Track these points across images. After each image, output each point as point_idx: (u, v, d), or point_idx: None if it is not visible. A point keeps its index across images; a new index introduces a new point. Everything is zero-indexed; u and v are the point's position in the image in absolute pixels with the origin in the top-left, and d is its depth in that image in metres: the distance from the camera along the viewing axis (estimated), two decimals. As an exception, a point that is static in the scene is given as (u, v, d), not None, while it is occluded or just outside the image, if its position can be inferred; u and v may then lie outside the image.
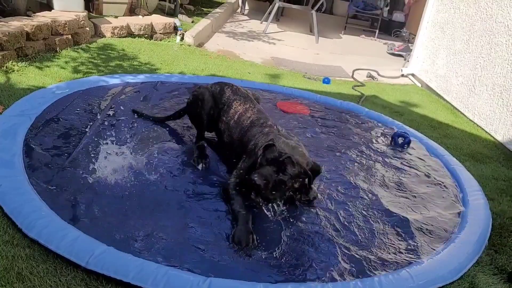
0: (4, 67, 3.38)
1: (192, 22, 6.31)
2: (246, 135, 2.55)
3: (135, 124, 2.98)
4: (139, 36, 5.18)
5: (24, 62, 3.58)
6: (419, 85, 5.68)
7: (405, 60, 6.58)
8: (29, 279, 1.60)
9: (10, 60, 3.48)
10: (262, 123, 2.57)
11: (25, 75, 3.39)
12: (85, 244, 1.79)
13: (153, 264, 1.77)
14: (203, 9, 7.49)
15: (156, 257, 1.83)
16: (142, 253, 1.84)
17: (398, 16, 9.05)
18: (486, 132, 4.12)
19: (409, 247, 2.21)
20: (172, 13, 6.24)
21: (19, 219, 1.86)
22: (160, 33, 5.42)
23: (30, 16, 4.08)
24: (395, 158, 3.21)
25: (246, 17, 8.40)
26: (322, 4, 8.01)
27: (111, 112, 3.10)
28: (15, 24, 3.67)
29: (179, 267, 1.81)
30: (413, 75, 5.89)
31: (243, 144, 2.53)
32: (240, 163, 2.43)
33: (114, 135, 2.66)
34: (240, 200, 2.25)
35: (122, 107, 3.19)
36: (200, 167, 2.60)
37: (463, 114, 4.56)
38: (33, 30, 3.74)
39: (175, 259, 1.85)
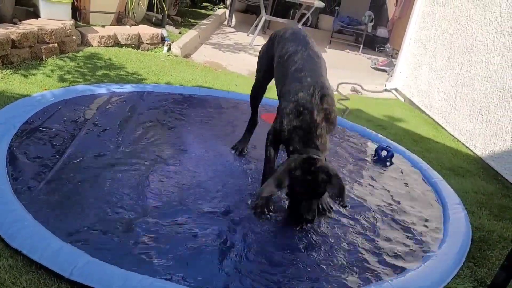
0: (-11, 75, 3.35)
1: (179, 33, 6.34)
2: (286, 81, 2.42)
3: (121, 134, 2.97)
4: (126, 46, 5.19)
5: (9, 70, 3.55)
6: (402, 99, 5.80)
7: (388, 75, 6.73)
8: (11, 290, 1.58)
9: (-6, 67, 3.45)
10: (302, 75, 2.35)
11: (10, 83, 3.36)
12: (68, 255, 1.77)
13: (137, 275, 1.76)
14: (190, 20, 7.55)
15: (141, 268, 1.82)
16: (128, 264, 1.83)
17: (382, 32, 9.27)
18: (466, 147, 4.23)
19: (390, 259, 2.25)
20: (159, 24, 6.27)
21: (1, 229, 1.84)
22: (147, 43, 5.43)
23: (16, 24, 4.05)
24: (378, 171, 3.27)
25: (233, 29, 8.48)
26: (308, 18, 8.14)
27: (97, 122, 3.09)
28: (0, 31, 3.63)
29: (164, 278, 1.80)
30: (396, 89, 6.02)
31: (281, 90, 2.46)
32: (276, 118, 2.42)
33: (100, 144, 2.65)
34: (270, 159, 2.42)
35: (108, 117, 3.18)
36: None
37: (444, 128, 4.68)
38: (19, 37, 3.71)
39: (160, 270, 1.84)
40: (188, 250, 2.00)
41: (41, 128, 2.81)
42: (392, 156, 3.47)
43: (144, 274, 1.77)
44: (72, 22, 4.58)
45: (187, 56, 5.73)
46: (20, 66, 3.71)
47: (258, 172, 2.77)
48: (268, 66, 2.80)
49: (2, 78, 3.38)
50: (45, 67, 3.88)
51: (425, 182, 3.20)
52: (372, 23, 9.13)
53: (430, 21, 5.40)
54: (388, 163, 3.43)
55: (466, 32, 4.63)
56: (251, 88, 3.11)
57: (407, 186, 3.11)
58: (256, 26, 7.56)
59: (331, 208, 2.55)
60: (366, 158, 3.47)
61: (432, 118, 4.97)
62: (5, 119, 2.74)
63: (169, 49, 5.48)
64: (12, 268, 1.68)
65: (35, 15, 4.55)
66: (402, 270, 2.17)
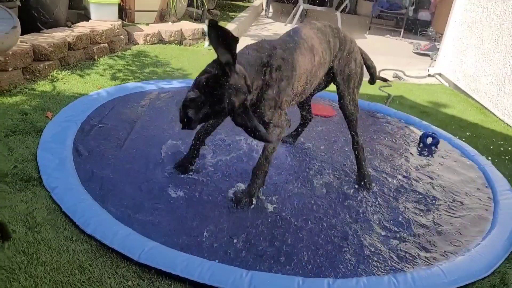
0: (50, 76, 3.61)
1: (220, 27, 6.46)
2: None
3: (172, 129, 3.14)
4: (170, 42, 5.38)
5: (67, 71, 3.81)
6: (447, 84, 5.67)
7: (431, 59, 6.57)
8: (89, 271, 1.76)
9: (54, 69, 3.71)
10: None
11: (68, 83, 3.61)
12: (136, 240, 1.94)
13: (198, 258, 1.91)
14: (229, 13, 7.66)
15: (201, 252, 1.97)
16: (189, 248, 1.98)
17: (424, 15, 9.01)
18: (517, 131, 4.11)
19: (440, 244, 2.28)
20: (199, 19, 6.43)
21: (76, 216, 2.03)
22: (189, 39, 5.60)
23: (70, 27, 4.31)
24: (424, 159, 3.27)
25: (270, 20, 8.53)
26: (346, 5, 8.05)
27: (149, 117, 3.27)
28: (58, 35, 3.90)
29: (221, 261, 1.94)
30: (440, 74, 5.88)
31: None
32: None
33: (153, 138, 2.82)
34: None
35: (159, 112, 3.36)
36: None
37: (493, 113, 4.55)
38: (74, 40, 3.97)
39: (217, 254, 1.98)
40: (241, 233, 2.13)
41: (100, 125, 3.02)
42: (437, 143, 3.45)
43: (204, 257, 1.92)
44: (119, 22, 4.80)
45: (228, 49, 5.84)
46: (76, 67, 3.97)
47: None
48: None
49: (61, 79, 3.64)
50: (98, 66, 4.12)
51: (474, 168, 3.17)
52: (413, 6, 8.90)
53: (475, 3, 5.23)
54: (433, 150, 3.42)
55: (515, 12, 4.46)
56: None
57: (454, 172, 3.09)
58: (294, 15, 7.57)
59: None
60: (411, 146, 3.47)
61: (479, 103, 4.84)
62: (68, 117, 2.97)
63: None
64: (88, 251, 1.86)
65: (86, 17, 4.81)
66: (452, 254, 2.20)
